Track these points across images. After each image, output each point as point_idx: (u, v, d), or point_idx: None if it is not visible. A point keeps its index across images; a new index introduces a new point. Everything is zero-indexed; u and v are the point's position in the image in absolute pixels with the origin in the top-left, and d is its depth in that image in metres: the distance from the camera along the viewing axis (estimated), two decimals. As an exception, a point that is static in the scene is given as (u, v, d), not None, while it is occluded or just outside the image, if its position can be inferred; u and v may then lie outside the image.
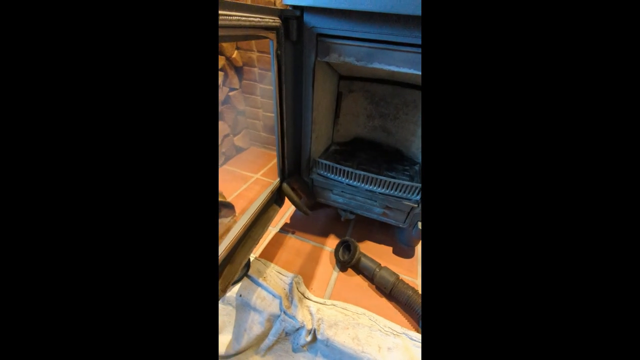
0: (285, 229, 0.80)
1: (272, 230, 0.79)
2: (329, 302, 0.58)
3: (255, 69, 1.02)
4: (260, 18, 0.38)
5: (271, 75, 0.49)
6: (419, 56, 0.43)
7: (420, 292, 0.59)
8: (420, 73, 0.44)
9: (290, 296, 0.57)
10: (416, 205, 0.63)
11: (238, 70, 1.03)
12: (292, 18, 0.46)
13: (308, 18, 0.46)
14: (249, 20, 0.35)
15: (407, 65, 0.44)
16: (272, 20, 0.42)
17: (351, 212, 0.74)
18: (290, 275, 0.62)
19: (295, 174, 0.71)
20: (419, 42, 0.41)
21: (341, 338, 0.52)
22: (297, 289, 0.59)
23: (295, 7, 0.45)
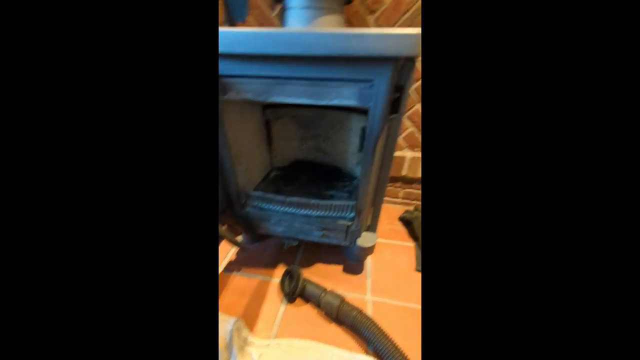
0: (230, 268, 0.75)
1: (215, 271, 0.74)
2: (273, 342, 0.55)
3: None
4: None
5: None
6: (312, 88, 0.44)
7: (365, 311, 0.58)
8: (315, 103, 0.45)
9: (229, 346, 0.53)
10: (351, 224, 0.63)
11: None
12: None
13: (199, 60, 0.46)
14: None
15: (302, 96, 0.45)
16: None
17: (293, 239, 0.73)
18: (232, 320, 0.58)
19: (228, 209, 0.68)
20: (310, 75, 0.43)
21: (286, 381, 0.49)
22: (238, 336, 0.55)
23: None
